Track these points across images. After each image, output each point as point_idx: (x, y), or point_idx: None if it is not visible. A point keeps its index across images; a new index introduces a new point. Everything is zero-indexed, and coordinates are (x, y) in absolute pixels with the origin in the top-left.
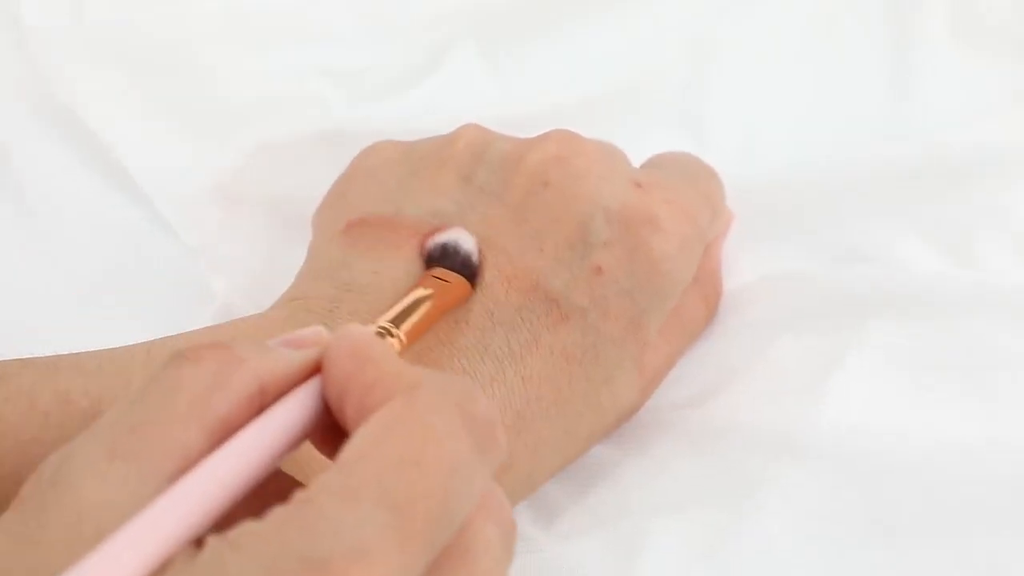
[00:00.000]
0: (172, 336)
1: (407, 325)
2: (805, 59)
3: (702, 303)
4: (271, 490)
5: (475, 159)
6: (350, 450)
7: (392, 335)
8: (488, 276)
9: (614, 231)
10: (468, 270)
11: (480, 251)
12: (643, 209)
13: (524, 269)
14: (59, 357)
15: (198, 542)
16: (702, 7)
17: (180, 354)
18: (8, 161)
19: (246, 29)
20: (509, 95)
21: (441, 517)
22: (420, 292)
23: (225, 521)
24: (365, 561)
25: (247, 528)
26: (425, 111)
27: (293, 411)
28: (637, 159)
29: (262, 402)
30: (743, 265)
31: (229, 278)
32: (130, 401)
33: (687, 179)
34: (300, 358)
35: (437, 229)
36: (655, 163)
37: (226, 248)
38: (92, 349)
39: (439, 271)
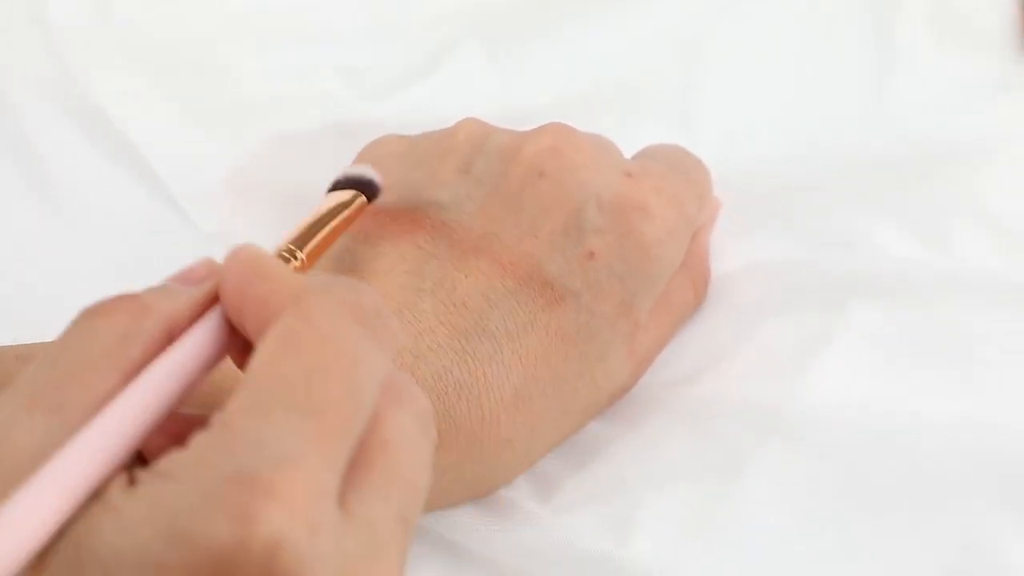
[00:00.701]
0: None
1: (309, 247)
2: (792, 58)
3: (691, 287)
4: (190, 423)
5: (474, 151)
6: (254, 368)
7: (295, 258)
8: (486, 262)
9: (606, 218)
10: (362, 185)
11: (379, 176)
12: (634, 197)
13: (520, 255)
14: None
15: (131, 480)
16: (700, 9)
17: (89, 309)
18: (35, 156)
19: (260, 30)
20: (509, 93)
21: (351, 410)
22: (315, 214)
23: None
24: (290, 466)
25: (173, 457)
26: (429, 107)
27: (195, 341)
28: (632, 154)
29: (171, 341)
30: (730, 252)
31: None
32: (46, 356)
33: (676, 169)
34: (201, 292)
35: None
36: (646, 154)
37: (240, 235)
38: None
39: (332, 194)
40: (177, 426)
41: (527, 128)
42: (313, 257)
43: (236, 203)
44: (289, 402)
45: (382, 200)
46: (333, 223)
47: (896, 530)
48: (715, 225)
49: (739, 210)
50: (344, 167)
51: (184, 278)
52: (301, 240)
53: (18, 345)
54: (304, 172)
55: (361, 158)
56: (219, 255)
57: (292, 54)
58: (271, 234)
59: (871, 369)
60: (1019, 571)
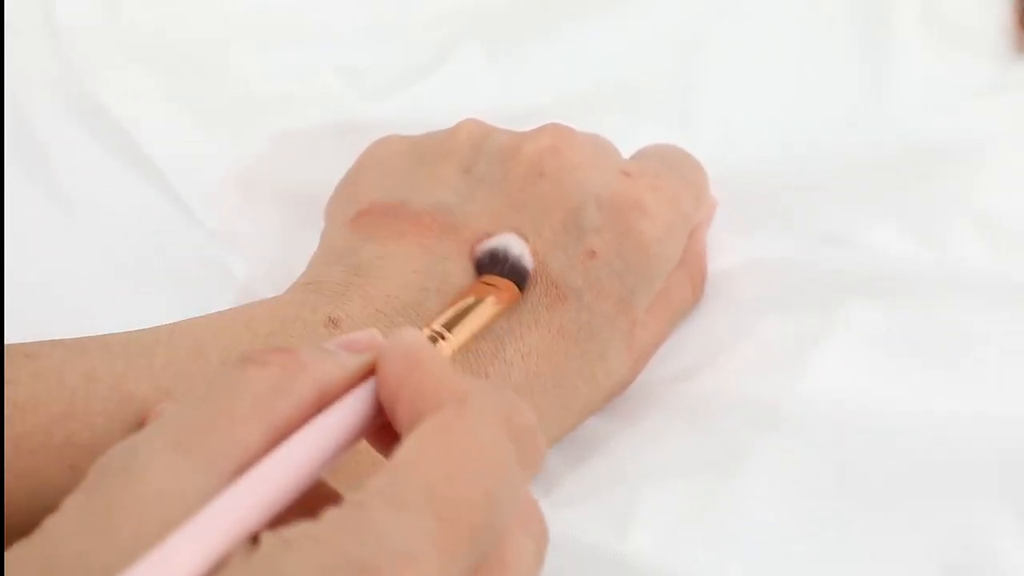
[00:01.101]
0: (194, 318)
1: (459, 329)
2: (792, 58)
3: (688, 284)
4: (319, 491)
5: (475, 151)
6: (401, 456)
7: (443, 339)
8: None
9: (605, 217)
10: (517, 274)
11: (531, 254)
12: (631, 196)
13: None
14: (87, 338)
15: (254, 538)
16: (700, 9)
17: (247, 356)
18: (42, 155)
19: (260, 29)
20: (509, 93)
21: (484, 525)
22: (470, 300)
23: (279, 518)
24: (412, 567)
25: (302, 529)
26: (429, 107)
27: (347, 414)
28: (631, 154)
29: (320, 404)
30: (729, 249)
31: (249, 263)
32: (196, 398)
33: (673, 169)
34: (357, 363)
35: (486, 235)
36: (643, 154)
37: (246, 235)
38: (120, 329)
39: (488, 277)
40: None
41: (527, 128)
42: (462, 341)
43: (238, 202)
44: (426, 501)
45: (384, 199)
46: (485, 312)
47: (896, 529)
48: (713, 223)
49: (738, 209)
50: (488, 240)
51: (344, 344)
52: (451, 323)
53: (26, 343)
54: (305, 172)
55: (365, 157)
56: (222, 253)
57: (292, 54)
58: (273, 232)
59: (870, 367)
60: (1019, 571)
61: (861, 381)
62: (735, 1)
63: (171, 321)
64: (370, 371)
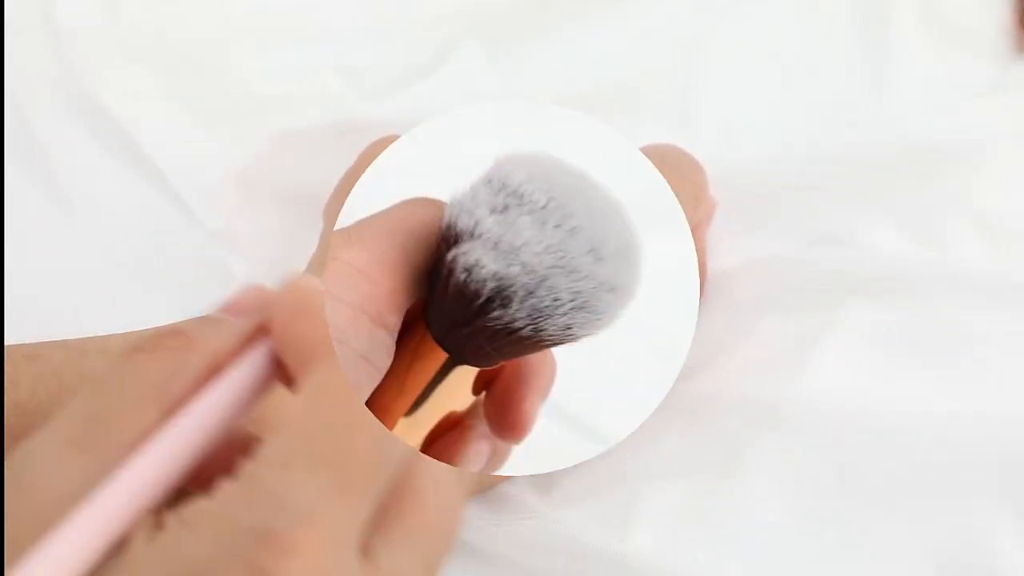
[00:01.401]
0: (192, 319)
1: None
2: (792, 58)
3: None
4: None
5: None
6: (284, 417)
7: None
8: None
9: None
10: None
11: None
12: None
13: None
14: (87, 339)
15: (158, 524)
16: (700, 8)
17: (136, 345)
18: (42, 155)
19: (260, 29)
20: (509, 93)
21: (374, 464)
22: None
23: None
24: (309, 522)
25: (199, 507)
26: (429, 107)
27: (240, 377)
28: None
29: (215, 375)
30: (729, 250)
31: (249, 263)
32: (88, 392)
33: (672, 169)
34: (247, 326)
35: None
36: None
37: (246, 235)
38: (120, 329)
39: None
40: (230, 450)
41: None
42: None
43: (238, 202)
44: (312, 457)
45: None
46: None
47: (896, 529)
48: (713, 223)
49: (738, 209)
50: None
51: (233, 308)
52: None
53: (26, 344)
54: (305, 171)
55: (362, 158)
56: (222, 253)
57: (292, 54)
58: (273, 232)
59: (870, 367)
60: (1019, 571)
61: (861, 381)
62: (735, 1)
63: (171, 321)
64: (265, 329)
